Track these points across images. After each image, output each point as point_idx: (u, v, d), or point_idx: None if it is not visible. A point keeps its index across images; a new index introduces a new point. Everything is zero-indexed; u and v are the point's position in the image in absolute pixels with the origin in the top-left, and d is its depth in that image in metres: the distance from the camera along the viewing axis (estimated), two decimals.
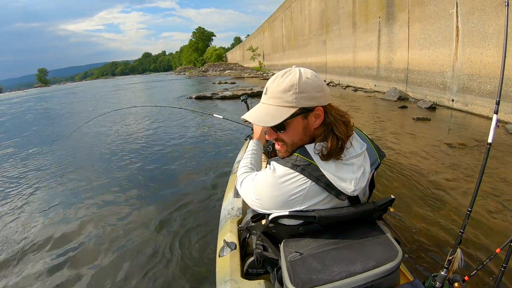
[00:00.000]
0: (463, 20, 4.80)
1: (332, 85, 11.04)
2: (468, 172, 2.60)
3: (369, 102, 6.94)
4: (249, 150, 1.05)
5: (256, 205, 0.78)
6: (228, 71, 30.18)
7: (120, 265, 1.76)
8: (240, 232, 1.16)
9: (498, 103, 0.88)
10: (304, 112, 0.73)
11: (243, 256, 1.07)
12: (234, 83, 16.38)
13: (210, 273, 1.48)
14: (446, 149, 3.23)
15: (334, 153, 0.70)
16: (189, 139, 4.80)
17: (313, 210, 0.72)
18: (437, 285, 0.84)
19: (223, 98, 9.37)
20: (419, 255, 1.57)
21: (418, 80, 6.32)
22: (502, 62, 0.89)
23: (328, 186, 0.69)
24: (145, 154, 4.17)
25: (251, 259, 0.95)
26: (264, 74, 21.13)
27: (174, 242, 1.93)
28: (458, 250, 0.87)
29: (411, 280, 0.82)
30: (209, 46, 66.32)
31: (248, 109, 2.09)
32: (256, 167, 0.98)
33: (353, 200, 0.77)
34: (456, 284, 0.84)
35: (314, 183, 0.70)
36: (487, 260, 0.85)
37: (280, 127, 0.75)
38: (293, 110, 0.72)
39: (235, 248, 1.08)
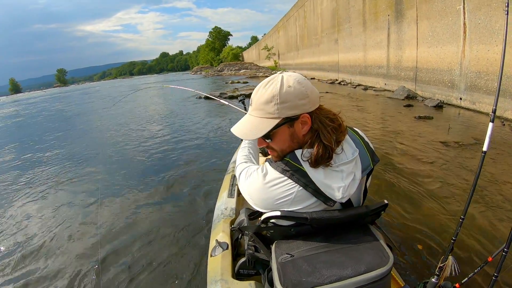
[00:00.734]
0: (470, 16, 4.68)
1: (343, 84, 10.95)
2: (461, 173, 2.54)
3: (376, 101, 6.87)
4: (245, 142, 1.05)
5: (251, 203, 0.80)
6: (243, 70, 30.27)
7: (110, 264, 1.76)
8: (232, 232, 1.15)
9: (494, 112, 0.86)
10: (288, 121, 0.73)
11: (235, 257, 1.07)
12: (246, 82, 16.38)
13: (202, 272, 1.53)
14: (440, 148, 3.20)
15: (322, 161, 0.69)
16: (187, 139, 4.92)
17: (305, 212, 0.72)
18: None
19: (231, 97, 9.59)
20: (411, 260, 1.55)
21: (427, 78, 6.19)
22: (500, 69, 0.88)
23: (316, 192, 0.70)
24: (136, 149, 4.29)
25: (243, 259, 0.94)
26: None
27: (166, 240, 1.94)
28: (450, 257, 0.87)
29: (402, 286, 0.83)
30: (225, 45, 66.82)
31: (246, 109, 2.19)
32: (255, 157, 0.99)
33: (345, 205, 0.76)
34: None
35: (302, 188, 0.70)
36: (479, 268, 0.85)
37: (266, 137, 0.75)
38: (276, 121, 0.72)
39: (227, 248, 1.07)
